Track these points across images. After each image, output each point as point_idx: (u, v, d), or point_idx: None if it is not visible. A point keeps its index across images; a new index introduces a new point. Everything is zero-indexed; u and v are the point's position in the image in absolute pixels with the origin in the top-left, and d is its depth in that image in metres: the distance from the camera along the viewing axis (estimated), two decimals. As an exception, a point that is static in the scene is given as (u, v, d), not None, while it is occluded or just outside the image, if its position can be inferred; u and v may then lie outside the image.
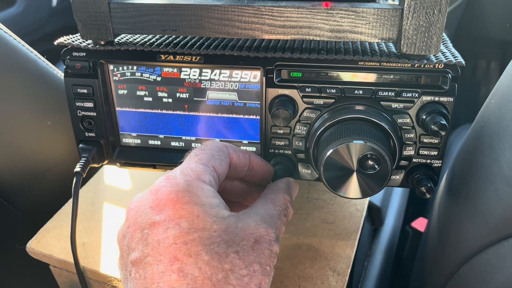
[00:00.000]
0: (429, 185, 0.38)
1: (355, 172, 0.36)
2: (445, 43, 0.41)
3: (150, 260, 0.27)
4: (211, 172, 0.32)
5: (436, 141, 0.38)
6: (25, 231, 0.50)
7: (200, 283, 0.26)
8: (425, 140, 0.39)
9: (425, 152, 0.39)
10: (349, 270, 0.42)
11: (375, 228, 0.63)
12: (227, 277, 0.26)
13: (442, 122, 0.36)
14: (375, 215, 0.61)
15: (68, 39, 0.41)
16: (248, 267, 0.28)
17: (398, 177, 0.40)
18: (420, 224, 0.77)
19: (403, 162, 0.40)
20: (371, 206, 0.60)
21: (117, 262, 0.32)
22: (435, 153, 0.39)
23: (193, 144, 0.43)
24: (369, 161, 0.35)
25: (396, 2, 0.43)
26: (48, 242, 0.46)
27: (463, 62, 0.36)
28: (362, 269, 0.58)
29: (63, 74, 0.56)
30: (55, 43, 0.41)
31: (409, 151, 0.39)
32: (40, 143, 0.53)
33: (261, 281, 0.28)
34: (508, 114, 0.31)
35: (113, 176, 0.55)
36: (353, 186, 0.37)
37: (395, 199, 0.69)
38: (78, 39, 0.41)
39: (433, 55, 0.37)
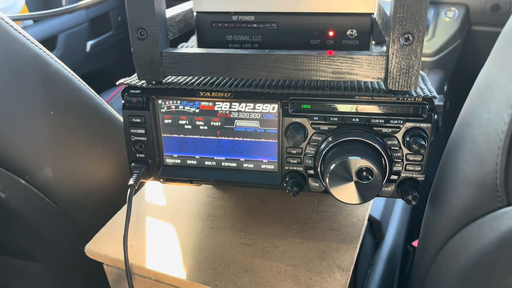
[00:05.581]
0: (414, 194, 0.47)
1: (353, 182, 0.46)
2: (425, 81, 0.51)
3: None
4: None
5: (419, 158, 0.48)
6: (79, 238, 0.60)
7: None
8: (411, 158, 0.48)
9: (411, 168, 0.48)
10: (352, 267, 0.51)
11: (377, 242, 0.71)
12: None
13: (421, 142, 0.45)
14: (375, 229, 0.69)
15: (127, 80, 0.52)
16: None
17: (390, 188, 0.50)
18: (420, 243, 0.84)
19: (393, 176, 0.49)
20: (371, 220, 0.69)
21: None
22: (419, 168, 0.48)
23: (223, 163, 0.53)
24: (364, 173, 0.45)
25: (384, 50, 0.54)
26: (103, 245, 0.55)
27: (437, 96, 0.46)
28: (366, 276, 0.66)
29: (112, 109, 0.68)
30: (117, 83, 0.52)
31: (398, 167, 0.49)
32: (93, 165, 0.64)
33: None
34: (462, 132, 0.41)
35: (152, 193, 0.65)
36: (352, 194, 0.46)
37: (396, 216, 0.78)
38: (135, 79, 0.52)
39: (414, 91, 0.47)
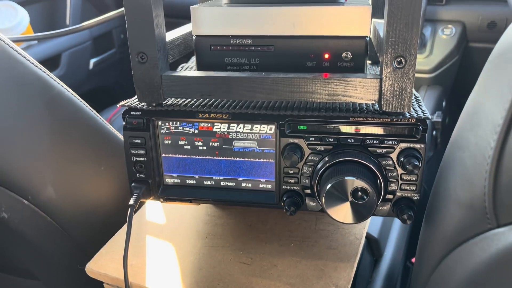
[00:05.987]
0: (409, 213, 0.48)
1: (348, 202, 0.46)
2: (418, 101, 0.52)
3: None
4: None
5: (414, 178, 0.49)
6: (79, 256, 0.61)
7: None
8: (405, 178, 0.49)
9: (406, 187, 0.49)
10: (349, 286, 0.51)
11: (376, 259, 0.72)
12: None
13: (415, 163, 0.46)
14: (374, 246, 0.70)
15: (128, 102, 0.54)
16: None
17: (385, 208, 0.50)
18: (420, 260, 0.85)
19: (388, 196, 0.50)
20: (369, 238, 0.69)
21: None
22: (414, 188, 0.49)
23: (221, 183, 0.54)
24: (359, 193, 0.46)
25: (378, 73, 0.55)
26: (103, 264, 0.56)
27: (430, 117, 0.48)
28: (364, 294, 0.66)
29: (113, 129, 0.69)
30: (119, 105, 0.53)
31: (393, 187, 0.49)
32: (94, 184, 0.65)
33: None
34: (452, 154, 0.42)
35: (152, 213, 0.66)
36: (347, 213, 0.47)
37: (394, 233, 0.78)
38: (135, 101, 0.54)
39: (407, 112, 0.48)
